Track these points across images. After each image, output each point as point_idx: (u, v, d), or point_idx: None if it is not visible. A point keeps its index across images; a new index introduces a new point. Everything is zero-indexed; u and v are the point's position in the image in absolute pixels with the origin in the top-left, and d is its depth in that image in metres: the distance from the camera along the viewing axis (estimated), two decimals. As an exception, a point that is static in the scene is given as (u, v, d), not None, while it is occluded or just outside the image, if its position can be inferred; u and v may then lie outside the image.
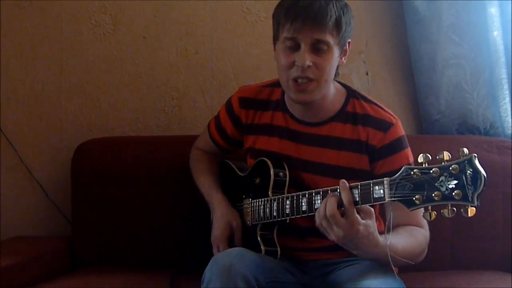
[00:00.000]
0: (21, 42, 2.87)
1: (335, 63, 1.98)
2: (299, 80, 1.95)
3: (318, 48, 1.91)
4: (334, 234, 1.74)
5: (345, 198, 1.73)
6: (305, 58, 1.90)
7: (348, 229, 1.71)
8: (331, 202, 1.74)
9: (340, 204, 1.75)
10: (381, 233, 1.82)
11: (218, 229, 2.14)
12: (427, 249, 2.01)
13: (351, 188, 1.75)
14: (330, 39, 1.91)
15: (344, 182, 1.76)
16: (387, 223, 1.76)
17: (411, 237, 1.91)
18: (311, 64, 1.91)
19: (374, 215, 1.76)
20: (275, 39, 2.01)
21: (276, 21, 1.98)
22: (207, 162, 2.40)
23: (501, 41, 2.77)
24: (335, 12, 1.89)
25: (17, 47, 2.87)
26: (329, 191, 1.80)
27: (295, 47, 1.93)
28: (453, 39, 2.77)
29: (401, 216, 1.89)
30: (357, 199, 1.73)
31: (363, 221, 1.72)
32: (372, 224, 1.75)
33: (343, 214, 1.74)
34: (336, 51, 1.95)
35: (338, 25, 1.90)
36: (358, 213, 1.73)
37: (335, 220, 1.72)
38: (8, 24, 2.85)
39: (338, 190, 1.78)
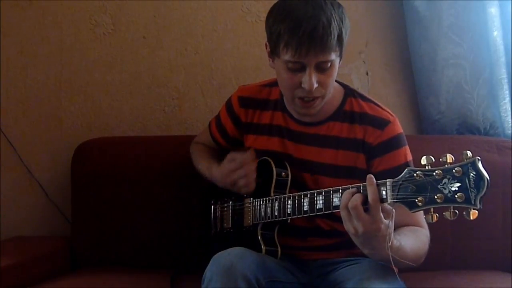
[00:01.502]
0: (21, 42, 2.87)
1: (336, 73, 1.98)
2: (306, 99, 1.96)
3: (322, 68, 1.91)
4: (352, 226, 1.69)
5: (371, 194, 1.67)
6: (313, 82, 1.90)
7: (370, 225, 1.66)
8: (357, 195, 1.69)
9: (363, 202, 1.68)
10: None
11: (221, 167, 2.15)
12: (428, 249, 2.01)
13: (377, 185, 1.69)
14: (333, 56, 1.90)
15: (371, 177, 1.69)
16: (388, 224, 1.75)
17: (416, 238, 1.89)
18: (317, 85, 1.91)
19: (394, 216, 1.70)
20: (273, 53, 1.98)
21: (274, 37, 1.93)
22: (207, 149, 2.42)
23: (501, 41, 2.78)
24: (337, 29, 1.86)
25: (17, 47, 2.87)
26: (331, 192, 1.80)
27: (299, 69, 1.91)
28: (453, 39, 2.78)
29: (401, 216, 1.87)
30: None
31: (385, 221, 1.68)
32: (391, 225, 1.70)
33: (365, 211, 1.68)
34: (337, 62, 1.95)
35: (340, 40, 1.89)
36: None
37: (356, 213, 1.66)
38: (8, 24, 2.85)
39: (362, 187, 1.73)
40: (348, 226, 1.70)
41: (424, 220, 1.98)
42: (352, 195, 1.69)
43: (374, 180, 1.68)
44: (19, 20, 2.86)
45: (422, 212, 1.88)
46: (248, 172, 2.08)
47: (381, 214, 1.66)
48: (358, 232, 1.68)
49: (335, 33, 1.86)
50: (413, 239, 1.86)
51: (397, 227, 1.85)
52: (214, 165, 2.25)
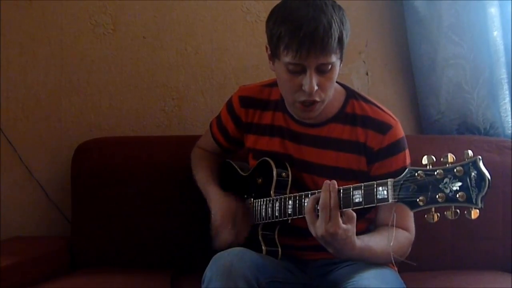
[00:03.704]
0: (21, 42, 2.87)
1: (336, 76, 1.98)
2: (306, 102, 1.96)
3: (322, 70, 1.90)
4: (313, 229, 1.79)
5: (332, 200, 1.77)
6: (313, 84, 1.89)
7: (328, 230, 1.75)
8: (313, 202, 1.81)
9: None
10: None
11: (218, 213, 2.14)
12: (428, 249, 2.06)
13: (353, 188, 1.76)
14: (334, 58, 1.89)
15: (334, 183, 1.79)
16: (389, 224, 1.76)
17: (393, 239, 1.90)
18: (317, 88, 1.91)
19: (355, 220, 1.78)
20: (274, 55, 1.98)
21: (275, 39, 1.92)
22: (207, 160, 2.40)
23: (501, 41, 2.78)
24: (337, 31, 1.86)
25: (17, 47, 2.86)
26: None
27: (300, 71, 1.91)
28: (453, 39, 2.78)
29: (389, 218, 1.89)
30: (360, 199, 1.74)
31: (344, 226, 1.76)
32: (351, 228, 1.78)
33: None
34: (338, 65, 1.95)
35: (340, 43, 1.89)
36: (341, 216, 1.77)
37: (311, 218, 1.80)
38: (8, 24, 2.85)
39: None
40: (310, 229, 1.81)
41: (410, 224, 2.04)
42: (315, 200, 1.82)
43: (336, 186, 1.78)
44: (19, 20, 2.86)
45: (411, 216, 1.93)
46: (237, 238, 2.10)
47: (339, 219, 1.75)
48: (317, 234, 1.78)
49: (336, 35, 1.86)
50: (386, 239, 1.87)
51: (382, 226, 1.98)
52: (210, 186, 2.26)
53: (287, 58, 1.90)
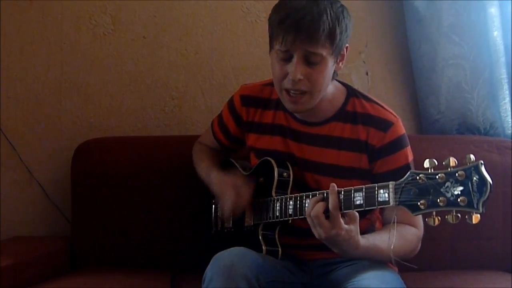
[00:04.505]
0: (21, 42, 2.87)
1: (329, 72, 1.97)
2: (292, 92, 1.96)
3: (310, 61, 1.91)
4: (316, 232, 1.80)
5: (331, 202, 1.77)
6: (296, 71, 1.90)
7: (330, 231, 1.76)
8: (319, 204, 1.80)
9: (326, 209, 1.79)
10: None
11: (218, 185, 2.16)
12: (428, 249, 2.04)
13: (355, 191, 1.76)
14: (323, 51, 1.89)
15: (333, 186, 1.79)
16: (390, 226, 1.76)
17: (400, 237, 1.89)
18: (302, 77, 1.91)
19: (358, 220, 1.79)
20: (270, 46, 2.00)
21: (270, 29, 1.97)
22: (208, 151, 2.42)
23: (501, 41, 2.78)
24: (328, 23, 1.86)
25: (17, 47, 2.86)
26: (333, 193, 1.81)
27: (288, 59, 1.92)
28: (453, 39, 2.78)
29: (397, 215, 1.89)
30: (361, 201, 1.74)
31: (346, 226, 1.77)
32: (354, 229, 1.78)
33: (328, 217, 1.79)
34: (330, 61, 1.94)
35: (331, 36, 1.88)
36: (343, 216, 1.77)
37: (318, 221, 1.77)
38: (8, 24, 2.85)
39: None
40: (313, 231, 1.81)
41: (418, 221, 2.03)
42: (317, 203, 1.80)
43: (336, 188, 1.78)
44: (19, 20, 2.86)
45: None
46: (237, 204, 2.10)
47: (341, 221, 1.76)
48: (321, 236, 1.79)
49: (325, 26, 1.86)
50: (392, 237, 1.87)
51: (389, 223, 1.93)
52: (213, 171, 2.25)
53: (276, 45, 1.92)
